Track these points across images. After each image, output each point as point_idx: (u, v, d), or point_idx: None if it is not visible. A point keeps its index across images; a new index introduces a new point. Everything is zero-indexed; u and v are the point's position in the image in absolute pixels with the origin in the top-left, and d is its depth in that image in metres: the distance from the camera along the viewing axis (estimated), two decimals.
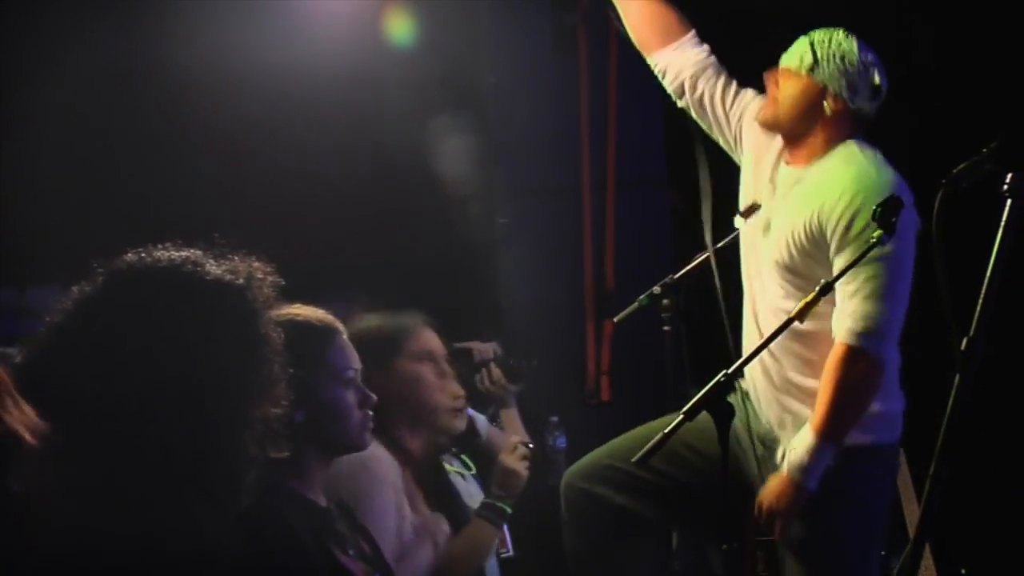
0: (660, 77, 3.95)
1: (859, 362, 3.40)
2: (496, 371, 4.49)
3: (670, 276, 4.25)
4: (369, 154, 5.75)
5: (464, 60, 5.93)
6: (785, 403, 3.60)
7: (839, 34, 3.59)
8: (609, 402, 5.75)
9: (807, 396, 3.53)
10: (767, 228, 3.62)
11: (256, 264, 2.29)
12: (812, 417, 3.44)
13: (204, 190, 5.59)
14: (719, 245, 3.95)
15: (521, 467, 3.89)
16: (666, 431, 3.01)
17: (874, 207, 3.15)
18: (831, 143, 3.58)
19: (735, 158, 3.85)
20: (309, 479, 2.81)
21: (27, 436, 1.87)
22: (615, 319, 4.55)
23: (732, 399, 3.70)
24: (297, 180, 5.75)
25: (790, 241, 3.52)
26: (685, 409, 3.01)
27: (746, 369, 3.66)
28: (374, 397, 2.93)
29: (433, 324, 3.96)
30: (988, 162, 2.38)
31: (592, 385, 5.74)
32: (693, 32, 3.89)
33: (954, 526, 3.53)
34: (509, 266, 5.92)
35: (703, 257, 4.12)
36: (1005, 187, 2.33)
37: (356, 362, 2.92)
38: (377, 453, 3.50)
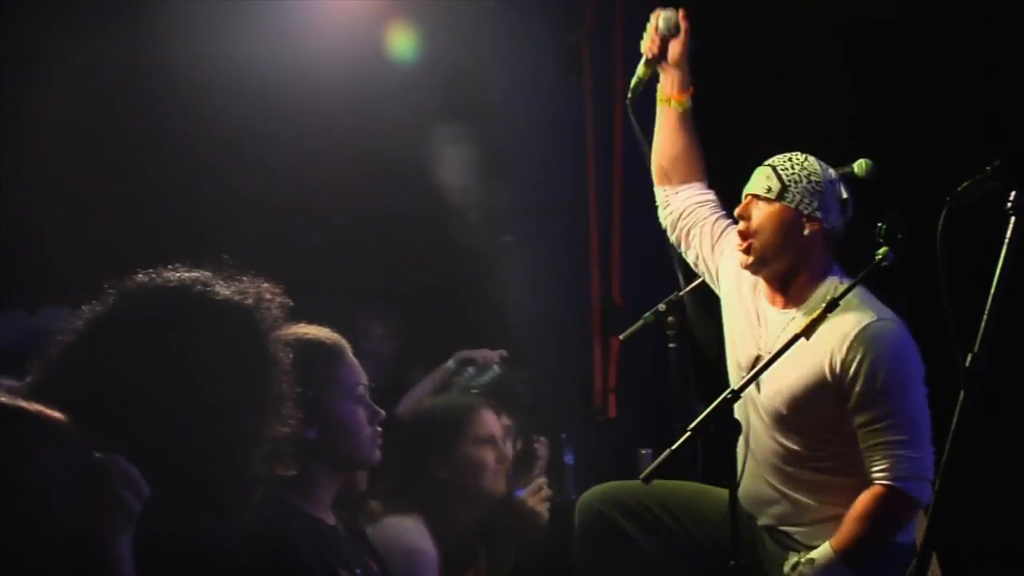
0: (661, 207, 3.99)
1: (900, 504, 3.41)
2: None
3: (675, 294, 4.27)
4: (375, 172, 5.76)
5: (469, 79, 5.94)
6: (794, 509, 3.62)
7: (799, 156, 3.57)
8: (616, 419, 5.77)
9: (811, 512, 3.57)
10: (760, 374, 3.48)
11: (265, 285, 2.31)
12: (836, 538, 3.43)
13: (208, 202, 5.60)
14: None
15: (543, 509, 3.92)
16: (673, 448, 3.02)
17: (880, 227, 3.16)
18: (815, 277, 3.55)
19: (715, 290, 3.85)
20: (317, 497, 2.82)
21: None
22: (620, 337, 4.57)
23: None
24: (303, 197, 5.76)
25: (791, 390, 3.49)
26: (691, 426, 3.02)
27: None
28: (383, 413, 2.94)
29: (493, 405, 3.97)
30: (992, 180, 2.40)
31: (599, 402, 5.76)
32: (704, 181, 3.93)
33: (961, 536, 3.53)
34: (516, 284, 5.93)
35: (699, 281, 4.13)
36: (1009, 205, 2.35)
37: (365, 378, 2.93)
38: (424, 547, 3.53)
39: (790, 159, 3.57)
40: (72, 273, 5.18)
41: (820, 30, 5.26)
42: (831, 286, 3.51)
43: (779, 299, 3.61)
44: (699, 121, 3.89)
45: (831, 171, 3.56)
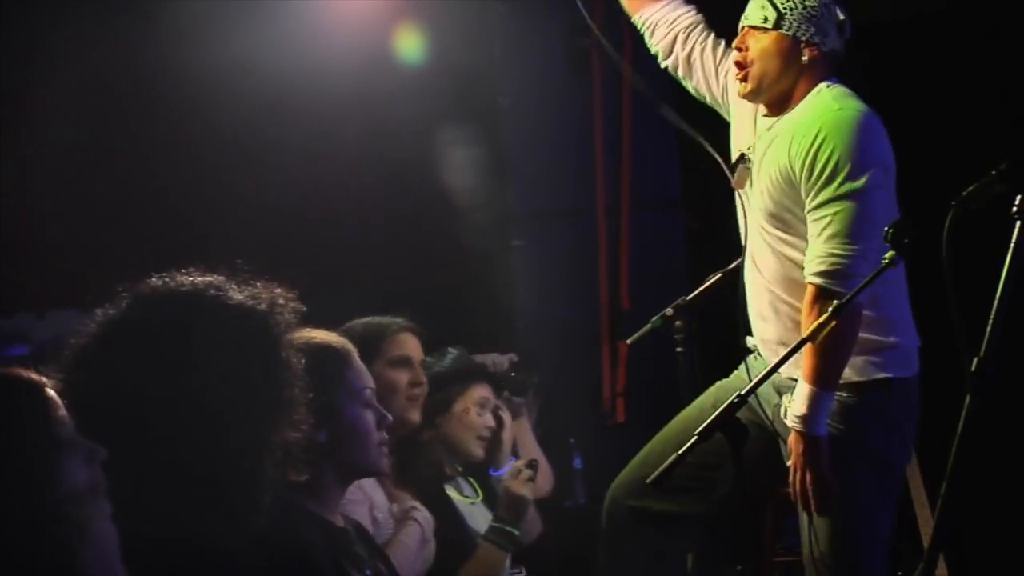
0: (647, 35, 3.90)
1: (829, 303, 3.35)
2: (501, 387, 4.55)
3: (683, 298, 4.27)
4: (383, 175, 5.77)
5: (478, 82, 5.95)
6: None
7: None
8: (624, 423, 5.77)
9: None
10: (751, 181, 3.60)
11: (278, 290, 2.32)
12: (803, 366, 3.40)
13: (215, 204, 5.61)
14: (733, 265, 3.96)
15: (526, 491, 3.92)
16: (680, 452, 3.02)
17: (887, 231, 3.14)
18: (807, 91, 3.55)
19: (722, 113, 3.82)
20: (327, 500, 2.82)
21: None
22: (628, 341, 4.57)
23: (740, 372, 3.71)
24: (311, 200, 5.77)
25: (769, 189, 3.50)
26: (699, 430, 3.01)
27: (754, 326, 3.65)
28: (390, 417, 2.94)
29: (415, 328, 3.96)
30: (997, 184, 2.40)
31: (608, 407, 5.76)
32: None
33: (968, 537, 3.52)
34: (524, 288, 5.94)
35: (716, 278, 4.13)
36: (1014, 209, 2.35)
37: (372, 382, 2.94)
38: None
39: None
40: (80, 276, 5.22)
41: None
42: (817, 90, 3.52)
43: (767, 107, 3.62)
44: (707, 126, 3.89)
45: None
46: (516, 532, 3.90)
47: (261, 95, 5.48)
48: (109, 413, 2.09)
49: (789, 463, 3.51)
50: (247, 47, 5.40)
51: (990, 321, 2.33)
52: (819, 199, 3.40)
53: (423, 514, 3.73)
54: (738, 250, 3.83)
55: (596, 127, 5.92)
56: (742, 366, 3.72)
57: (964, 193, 2.41)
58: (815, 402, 3.40)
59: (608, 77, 5.89)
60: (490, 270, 5.85)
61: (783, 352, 3.37)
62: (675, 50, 3.86)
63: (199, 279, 2.26)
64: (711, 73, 3.81)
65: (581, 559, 4.82)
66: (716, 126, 3.84)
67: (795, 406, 3.44)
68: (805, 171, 3.41)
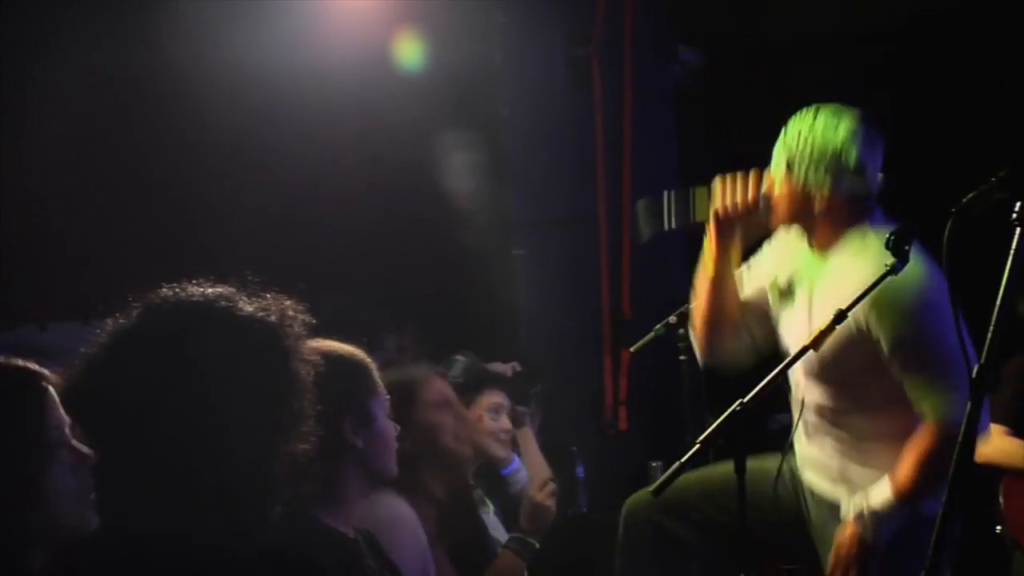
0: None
1: (950, 442, 3.40)
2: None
3: (686, 306, 4.27)
4: (384, 183, 5.79)
5: (479, 91, 5.97)
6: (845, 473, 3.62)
7: (807, 121, 3.48)
8: (627, 431, 5.77)
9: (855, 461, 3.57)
10: (809, 313, 3.56)
11: (288, 303, 2.33)
12: (893, 479, 3.43)
13: (215, 210, 5.62)
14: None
15: (550, 503, 3.95)
16: (681, 461, 3.02)
17: (888, 237, 3.15)
18: (839, 231, 3.52)
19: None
20: (343, 511, 2.85)
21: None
22: (631, 349, 4.57)
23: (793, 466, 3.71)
24: (312, 206, 5.79)
25: (830, 345, 3.47)
26: (701, 439, 3.01)
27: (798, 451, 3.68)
28: (398, 427, 2.99)
29: (442, 373, 4.03)
30: (997, 191, 2.40)
31: (610, 415, 5.76)
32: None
33: (968, 546, 3.52)
34: (526, 296, 5.94)
35: None
36: (1014, 215, 2.35)
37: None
38: (404, 512, 3.54)
39: (799, 132, 3.48)
40: (83, 288, 5.22)
41: (826, 43, 5.27)
42: (860, 234, 3.49)
43: (813, 239, 3.59)
44: (708, 134, 3.89)
45: (841, 130, 3.44)
46: (536, 544, 3.93)
47: (262, 101, 5.49)
48: (118, 422, 2.10)
49: (831, 556, 3.50)
50: (248, 52, 5.41)
51: (990, 328, 2.33)
52: (917, 358, 3.41)
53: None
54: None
55: (597, 136, 5.93)
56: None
57: (964, 200, 2.41)
58: (891, 515, 3.42)
59: (608, 87, 5.90)
60: (492, 278, 5.86)
61: (825, 477, 3.52)
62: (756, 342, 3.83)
63: (209, 290, 2.26)
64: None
65: (583, 567, 4.82)
66: (718, 136, 3.86)
67: (871, 511, 3.44)
68: (887, 336, 3.40)
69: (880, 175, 3.51)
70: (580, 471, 5.47)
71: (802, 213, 3.52)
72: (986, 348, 2.31)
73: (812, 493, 3.69)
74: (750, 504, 3.51)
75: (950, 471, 3.40)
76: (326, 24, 5.69)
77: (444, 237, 5.76)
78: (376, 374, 2.96)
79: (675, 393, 4.51)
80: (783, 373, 3.20)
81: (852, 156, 3.44)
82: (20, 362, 1.98)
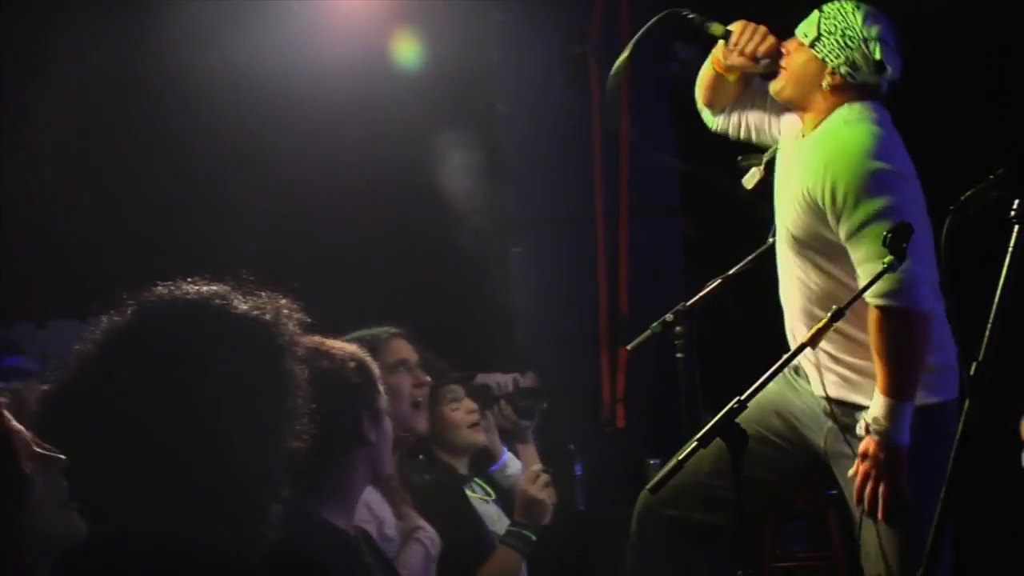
0: (708, 122, 3.95)
1: (895, 320, 3.38)
2: (507, 408, 4.57)
3: (682, 304, 4.27)
4: (381, 182, 5.78)
5: (476, 89, 5.96)
6: (844, 372, 3.62)
7: (848, 7, 3.59)
8: (624, 429, 5.77)
9: (860, 369, 3.56)
10: (781, 200, 3.66)
11: (283, 301, 2.32)
12: (878, 383, 3.43)
13: (214, 209, 5.62)
14: (733, 271, 3.98)
15: (545, 495, 3.95)
16: (679, 458, 3.02)
17: (885, 235, 3.15)
18: (830, 111, 3.59)
19: (767, 142, 3.87)
20: (345, 507, 2.86)
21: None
22: (628, 347, 4.57)
23: (787, 377, 3.71)
24: (309, 205, 5.78)
25: (796, 211, 3.55)
26: (698, 436, 3.02)
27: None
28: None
29: (406, 334, 3.99)
30: (995, 189, 2.41)
31: (608, 413, 5.76)
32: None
33: (965, 547, 3.53)
34: (523, 295, 5.94)
35: (715, 284, 4.14)
36: (1012, 213, 2.36)
37: None
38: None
39: (838, 8, 3.58)
40: (81, 286, 5.22)
41: None
42: (838, 113, 3.56)
43: (803, 125, 3.67)
44: (706, 132, 3.90)
45: (875, 28, 3.55)
46: (533, 536, 3.93)
47: (260, 100, 5.49)
48: (111, 421, 2.09)
49: (852, 472, 3.52)
50: (246, 52, 5.41)
51: (989, 325, 2.34)
52: (852, 225, 3.41)
53: (428, 534, 3.75)
54: (738, 255, 3.85)
55: (594, 134, 5.93)
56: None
57: (962, 198, 2.42)
58: (895, 412, 3.42)
59: (605, 84, 5.89)
60: (489, 277, 5.86)
61: (821, 369, 3.49)
62: (739, 129, 3.90)
63: (204, 288, 2.26)
64: (768, 127, 3.85)
65: (581, 565, 4.83)
66: (715, 134, 3.87)
67: (875, 420, 3.44)
68: (827, 202, 3.44)
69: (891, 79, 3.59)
70: (578, 469, 5.47)
71: (808, 83, 3.60)
72: (984, 345, 2.31)
73: (818, 426, 3.67)
74: (756, 461, 3.50)
75: (920, 346, 3.40)
76: (323, 24, 5.69)
77: (441, 236, 5.76)
78: (377, 372, 2.98)
79: (673, 391, 4.51)
80: (779, 372, 3.21)
81: (878, 50, 3.54)
82: None
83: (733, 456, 3.06)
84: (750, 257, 3.93)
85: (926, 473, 3.45)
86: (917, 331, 3.39)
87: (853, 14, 3.58)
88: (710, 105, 3.92)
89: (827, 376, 3.63)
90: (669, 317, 4.27)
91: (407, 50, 5.81)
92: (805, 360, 3.68)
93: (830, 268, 3.56)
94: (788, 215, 3.60)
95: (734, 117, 3.90)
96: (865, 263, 3.40)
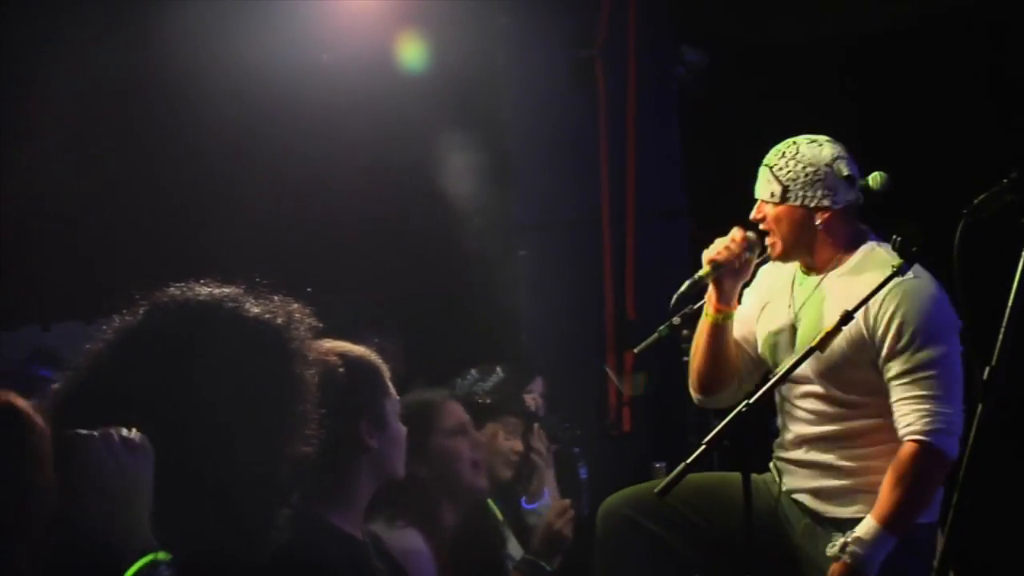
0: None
1: (930, 459, 3.42)
2: (541, 434, 4.56)
3: (690, 307, 4.26)
4: (386, 183, 5.77)
5: (482, 92, 5.96)
6: (822, 482, 3.63)
7: (790, 149, 3.61)
8: (630, 433, 5.76)
9: (844, 474, 3.59)
10: (792, 339, 3.63)
11: (295, 306, 2.32)
12: (877, 509, 3.44)
13: (219, 212, 5.61)
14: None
15: (568, 531, 3.93)
16: (687, 462, 3.02)
17: (894, 239, 3.16)
18: (843, 246, 3.62)
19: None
20: (353, 512, 2.86)
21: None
22: (635, 350, 4.56)
23: (767, 479, 3.73)
24: (316, 206, 5.77)
25: (832, 352, 3.47)
26: (706, 440, 3.02)
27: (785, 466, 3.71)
28: (404, 429, 2.99)
29: (459, 397, 4.00)
30: (1008, 192, 2.40)
31: (613, 416, 5.75)
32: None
33: (978, 551, 3.51)
34: (529, 297, 5.93)
35: None
36: None
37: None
38: (417, 546, 3.55)
39: (783, 155, 3.61)
40: (86, 288, 5.21)
41: (832, 43, 5.26)
42: (869, 249, 3.59)
43: (805, 267, 3.69)
44: (712, 135, 3.89)
45: (825, 150, 3.58)
46: (548, 568, 3.91)
47: (266, 101, 5.48)
48: (120, 421, 2.08)
49: None
50: (252, 53, 5.41)
51: (1002, 329, 2.32)
52: (912, 363, 3.44)
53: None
54: None
55: (601, 136, 5.92)
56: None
57: (975, 202, 2.41)
58: (878, 544, 3.43)
59: (612, 87, 5.89)
60: (494, 279, 5.85)
61: (816, 499, 3.58)
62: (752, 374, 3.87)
63: (216, 291, 2.25)
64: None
65: (586, 569, 4.81)
66: (722, 137, 3.86)
67: (859, 545, 3.43)
68: (891, 337, 3.46)
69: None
70: (583, 472, 5.46)
71: (803, 233, 3.61)
72: (997, 349, 2.30)
73: (796, 504, 3.67)
74: (725, 512, 3.53)
75: (934, 492, 3.45)
76: (329, 25, 5.68)
77: (446, 238, 5.75)
78: (388, 376, 2.96)
79: (679, 394, 4.49)
80: (788, 376, 3.20)
81: (842, 168, 3.57)
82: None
83: (740, 460, 3.06)
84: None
85: None
86: (940, 474, 3.45)
87: (800, 151, 3.59)
88: (718, 386, 3.85)
89: (811, 479, 3.64)
90: (676, 320, 4.26)
91: (412, 52, 5.80)
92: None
93: (844, 398, 3.56)
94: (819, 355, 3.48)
95: (743, 371, 3.85)
96: (921, 400, 3.42)
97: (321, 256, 5.70)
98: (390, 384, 2.95)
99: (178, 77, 5.47)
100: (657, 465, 4.99)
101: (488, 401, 4.31)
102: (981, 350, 2.36)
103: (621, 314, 5.81)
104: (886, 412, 3.50)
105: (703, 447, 3.01)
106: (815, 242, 3.61)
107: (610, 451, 5.63)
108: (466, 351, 5.35)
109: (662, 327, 4.33)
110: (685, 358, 4.40)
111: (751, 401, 3.06)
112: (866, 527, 3.43)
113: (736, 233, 3.72)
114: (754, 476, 3.64)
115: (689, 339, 4.39)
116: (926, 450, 3.40)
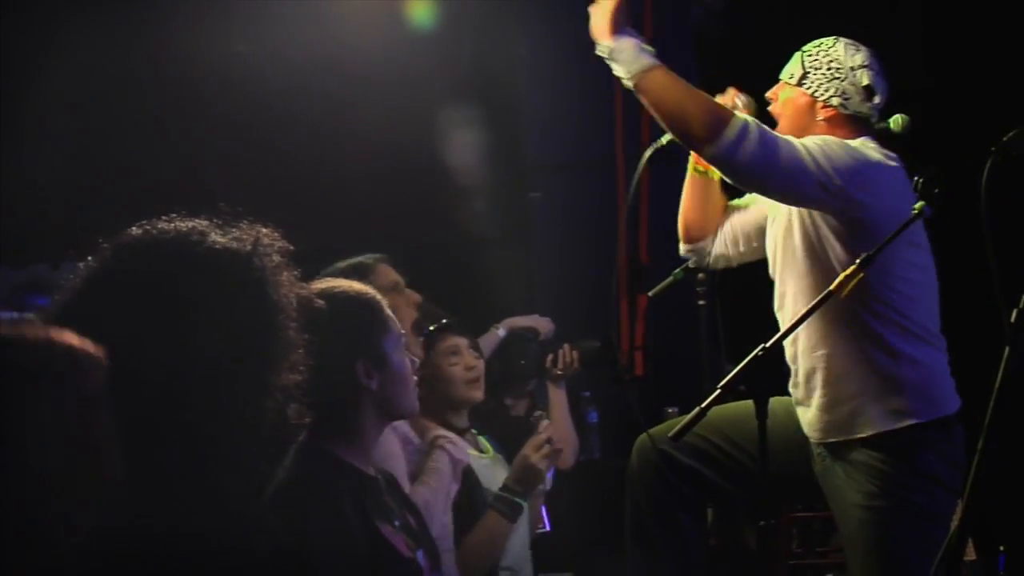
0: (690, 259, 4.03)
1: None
2: (571, 354, 4.51)
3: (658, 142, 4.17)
4: (402, 132, 5.73)
5: (496, 34, 5.91)
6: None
7: (829, 42, 3.62)
8: (643, 377, 5.72)
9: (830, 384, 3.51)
10: (788, 226, 3.58)
11: (263, 231, 2.25)
12: None
13: (229, 188, 5.58)
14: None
15: (543, 465, 3.89)
16: (703, 405, 2.98)
17: (916, 180, 3.11)
18: None
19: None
20: (361, 448, 2.82)
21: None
22: (649, 293, 4.51)
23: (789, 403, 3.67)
24: (329, 156, 5.75)
25: (803, 225, 3.49)
26: (721, 384, 2.98)
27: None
28: (417, 360, 2.95)
29: (389, 260, 3.91)
30: None
31: (626, 360, 5.71)
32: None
33: (994, 504, 3.45)
34: (541, 241, 5.89)
35: None
36: None
37: (400, 327, 2.95)
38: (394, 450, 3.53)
39: (819, 45, 3.63)
40: (96, 226, 5.19)
41: None
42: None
43: None
44: (729, 76, 3.84)
45: (858, 56, 3.59)
46: (523, 503, 3.87)
47: (285, 84, 5.54)
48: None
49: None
50: (271, 31, 5.50)
51: None
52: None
53: (449, 439, 3.75)
54: None
55: (615, 79, 5.84)
56: None
57: (1004, 139, 2.34)
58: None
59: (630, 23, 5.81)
60: (507, 221, 5.81)
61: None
62: (739, 244, 3.89)
63: (181, 225, 2.19)
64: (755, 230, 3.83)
65: (596, 513, 4.79)
66: (739, 78, 3.81)
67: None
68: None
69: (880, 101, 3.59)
70: (593, 417, 5.43)
71: (804, 121, 3.60)
72: None
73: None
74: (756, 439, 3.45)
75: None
76: None
77: (459, 181, 5.71)
78: (387, 311, 2.91)
79: (693, 338, 4.45)
80: (798, 327, 3.14)
81: (864, 78, 3.57)
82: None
83: (756, 406, 3.01)
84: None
85: (904, 521, 3.42)
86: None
87: (835, 47, 3.61)
88: (700, 234, 3.92)
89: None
90: (691, 263, 4.21)
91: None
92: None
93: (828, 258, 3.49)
94: (793, 235, 3.53)
95: (728, 233, 3.87)
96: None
97: (333, 202, 5.68)
98: (391, 321, 2.89)
99: (194, 62, 5.49)
100: (669, 410, 4.96)
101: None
102: (1008, 293, 2.30)
103: (634, 257, 5.76)
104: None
105: (718, 391, 2.97)
106: (809, 135, 3.53)
107: (622, 395, 5.60)
108: (478, 295, 5.32)
109: (677, 270, 4.28)
110: (700, 302, 4.36)
111: (767, 345, 3.01)
112: None
113: (728, 92, 3.74)
114: (778, 400, 3.62)
115: (704, 283, 4.34)
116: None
